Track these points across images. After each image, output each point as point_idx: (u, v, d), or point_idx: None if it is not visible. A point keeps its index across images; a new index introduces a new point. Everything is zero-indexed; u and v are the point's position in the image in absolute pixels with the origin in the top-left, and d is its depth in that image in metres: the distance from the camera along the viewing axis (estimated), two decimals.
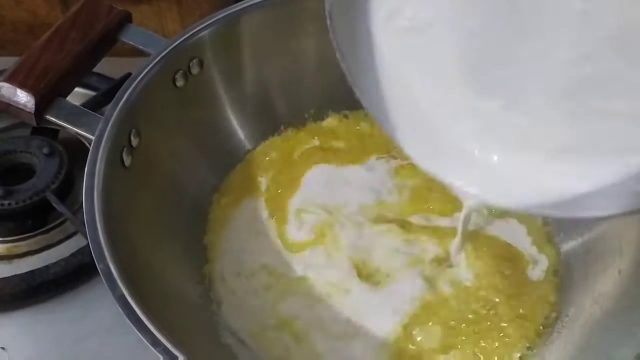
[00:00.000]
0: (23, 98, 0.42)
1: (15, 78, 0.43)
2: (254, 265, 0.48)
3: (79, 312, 0.50)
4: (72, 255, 0.52)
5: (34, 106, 0.42)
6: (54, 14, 0.68)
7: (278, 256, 0.49)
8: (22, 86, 0.42)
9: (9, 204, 0.55)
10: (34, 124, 0.43)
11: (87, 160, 0.41)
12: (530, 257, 0.49)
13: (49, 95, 0.44)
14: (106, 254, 0.36)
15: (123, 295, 0.34)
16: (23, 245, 0.54)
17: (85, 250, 0.52)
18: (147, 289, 0.38)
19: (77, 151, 0.60)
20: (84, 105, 0.53)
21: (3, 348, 0.48)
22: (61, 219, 0.55)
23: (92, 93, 0.61)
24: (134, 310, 0.34)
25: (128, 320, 0.34)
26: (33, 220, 0.56)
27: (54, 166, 0.57)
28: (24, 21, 0.69)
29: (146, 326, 0.33)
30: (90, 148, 0.41)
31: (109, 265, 0.36)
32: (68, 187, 0.58)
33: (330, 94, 0.54)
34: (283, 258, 0.49)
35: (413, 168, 0.46)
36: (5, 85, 0.42)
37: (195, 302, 0.45)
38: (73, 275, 0.51)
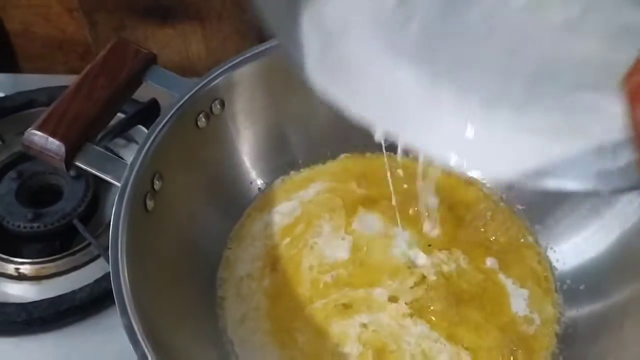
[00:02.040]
0: (54, 146, 0.45)
1: (47, 127, 0.45)
2: None
3: (103, 336, 0.53)
4: (97, 281, 0.54)
5: (64, 154, 0.45)
6: (81, 31, 0.70)
7: None
8: (54, 135, 0.45)
9: (38, 227, 0.58)
10: (64, 170, 0.45)
11: (114, 210, 0.43)
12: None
13: (78, 143, 0.46)
14: (129, 309, 0.39)
15: (144, 353, 0.37)
16: (51, 267, 0.57)
17: (108, 277, 0.53)
18: (165, 337, 0.41)
19: None
20: (111, 129, 0.55)
21: None
22: (86, 242, 0.58)
23: (119, 115, 0.63)
24: None
25: None
26: (60, 241, 0.59)
27: (80, 189, 0.60)
28: (53, 38, 0.71)
29: None
30: (116, 198, 0.43)
31: (131, 320, 0.38)
32: (93, 209, 0.61)
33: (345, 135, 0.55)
34: None
35: None
36: (38, 134, 0.45)
37: (211, 343, 0.47)
38: (98, 301, 0.53)
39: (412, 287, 0.51)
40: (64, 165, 0.45)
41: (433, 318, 0.50)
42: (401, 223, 0.55)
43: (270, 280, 0.51)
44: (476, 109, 0.32)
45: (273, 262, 0.52)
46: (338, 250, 0.53)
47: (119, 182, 0.45)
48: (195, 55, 0.69)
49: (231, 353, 0.48)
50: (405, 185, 0.58)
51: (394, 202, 0.56)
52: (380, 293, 0.51)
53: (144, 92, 0.63)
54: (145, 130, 0.49)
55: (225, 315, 0.50)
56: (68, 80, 0.51)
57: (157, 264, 0.45)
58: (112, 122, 0.61)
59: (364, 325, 0.49)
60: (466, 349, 0.48)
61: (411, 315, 0.50)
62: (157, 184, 0.47)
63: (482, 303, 0.51)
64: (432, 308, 0.50)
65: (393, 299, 0.51)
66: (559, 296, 0.52)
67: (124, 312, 0.38)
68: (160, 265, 0.46)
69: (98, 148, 0.47)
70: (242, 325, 0.49)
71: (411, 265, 0.53)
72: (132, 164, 0.45)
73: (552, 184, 0.31)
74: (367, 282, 0.51)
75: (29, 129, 0.45)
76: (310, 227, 0.54)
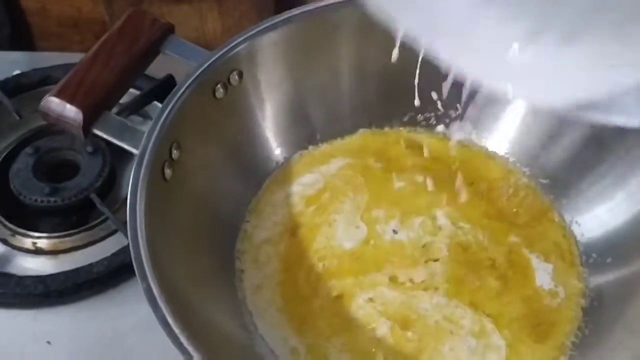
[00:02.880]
0: (71, 113, 0.44)
1: (64, 93, 0.44)
2: None
3: (120, 309, 0.52)
4: (114, 254, 0.54)
5: (81, 121, 0.44)
6: (97, 9, 0.70)
7: None
8: (71, 101, 0.44)
9: (55, 201, 0.57)
10: (81, 137, 0.45)
11: (131, 177, 0.42)
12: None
13: (95, 110, 0.45)
14: (148, 273, 0.38)
15: (164, 317, 0.36)
16: (68, 241, 0.57)
17: (126, 250, 0.53)
18: (184, 303, 0.40)
19: (119, 149, 0.61)
20: (127, 105, 0.55)
21: (48, 342, 0.51)
22: (103, 217, 0.58)
23: (134, 91, 0.62)
24: (175, 333, 0.36)
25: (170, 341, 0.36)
26: (77, 216, 0.59)
27: (97, 164, 0.60)
28: (68, 16, 0.71)
29: (185, 348, 0.35)
30: (134, 165, 0.43)
31: (150, 285, 0.38)
32: (110, 185, 0.61)
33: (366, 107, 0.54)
34: None
35: None
36: (55, 100, 0.44)
37: (230, 313, 0.47)
38: (115, 274, 0.53)
39: (426, 262, 0.51)
40: (81, 132, 0.44)
41: (450, 287, 0.49)
42: (421, 197, 0.54)
43: (287, 245, 0.51)
44: (526, 32, 0.30)
45: (294, 227, 0.52)
46: (354, 233, 0.52)
47: (136, 149, 0.44)
48: (211, 32, 0.69)
49: (250, 324, 0.47)
50: (423, 159, 0.57)
51: (417, 178, 0.55)
52: (387, 272, 0.50)
53: (159, 69, 0.63)
54: None
55: (243, 287, 0.49)
56: None
57: (176, 233, 0.45)
58: (128, 99, 0.61)
59: (371, 300, 0.48)
60: (488, 315, 0.48)
61: (425, 288, 0.49)
62: (175, 153, 0.46)
63: (505, 274, 0.50)
64: (448, 277, 0.49)
65: (394, 278, 0.50)
66: (584, 269, 0.51)
67: (143, 276, 0.38)
68: (179, 234, 0.45)
69: (116, 116, 0.46)
70: (258, 295, 0.49)
71: (428, 243, 0.52)
72: (150, 132, 0.45)
73: (599, 116, 0.30)
74: (377, 265, 0.51)
75: (47, 95, 0.44)
76: (335, 200, 0.54)
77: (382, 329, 0.47)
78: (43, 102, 0.45)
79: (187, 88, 0.48)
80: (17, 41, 0.72)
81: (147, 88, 0.62)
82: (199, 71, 0.48)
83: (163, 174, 0.45)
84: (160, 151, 0.45)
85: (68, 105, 0.44)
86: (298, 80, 0.55)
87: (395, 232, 0.52)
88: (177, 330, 0.36)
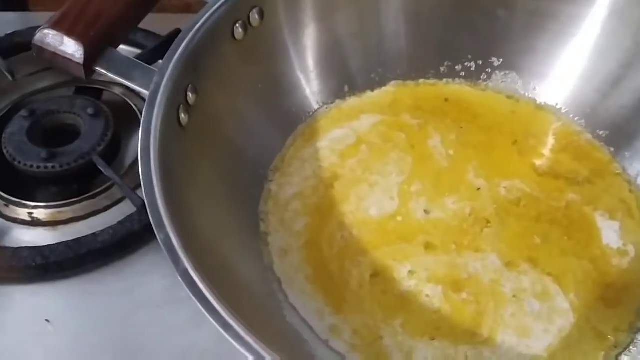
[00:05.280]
0: (71, 47, 0.38)
1: (62, 25, 0.38)
2: None
3: (127, 284, 0.47)
4: (120, 223, 0.48)
5: (82, 56, 0.38)
6: None
7: None
8: (70, 34, 0.38)
9: (53, 167, 0.51)
10: (82, 76, 0.39)
11: (142, 118, 0.36)
12: None
13: (98, 45, 0.39)
14: (166, 222, 0.32)
15: (187, 270, 0.30)
16: (68, 211, 0.51)
17: (134, 217, 0.48)
18: (207, 261, 0.34)
19: (122, 113, 0.56)
20: None
21: (47, 320, 0.45)
22: (108, 184, 0.52)
23: (136, 51, 0.57)
24: (200, 288, 0.30)
25: (194, 299, 0.29)
26: (78, 184, 0.53)
27: (99, 127, 0.54)
28: None
29: (214, 308, 0.29)
30: (145, 104, 0.37)
31: (169, 235, 0.31)
32: (114, 151, 0.55)
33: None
34: None
35: None
36: (52, 32, 0.38)
37: (256, 279, 0.41)
38: (122, 244, 0.48)
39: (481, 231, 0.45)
40: (82, 70, 0.38)
41: (504, 247, 0.43)
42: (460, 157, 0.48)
43: (319, 199, 0.46)
44: None
45: (331, 178, 0.46)
46: (391, 202, 0.47)
47: (147, 90, 0.38)
48: None
49: (278, 292, 0.41)
50: (464, 115, 0.51)
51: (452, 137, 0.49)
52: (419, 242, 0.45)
53: (165, 25, 0.57)
54: None
55: (269, 251, 0.44)
56: None
57: (194, 186, 0.39)
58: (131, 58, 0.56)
59: (411, 273, 0.43)
60: (549, 274, 0.42)
61: (476, 249, 0.43)
62: (191, 97, 0.41)
63: (567, 231, 0.44)
64: (502, 237, 0.44)
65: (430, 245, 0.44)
66: None
67: (160, 226, 0.32)
68: (198, 187, 0.39)
69: (121, 54, 0.40)
70: (284, 260, 0.43)
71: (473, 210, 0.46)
72: (162, 70, 0.39)
73: None
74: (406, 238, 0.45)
75: (42, 27, 0.38)
76: (376, 159, 0.48)
77: (435, 297, 0.41)
78: (37, 35, 0.39)
79: (202, 25, 0.42)
80: (10, 5, 0.66)
81: (152, 46, 0.56)
82: (216, 6, 0.43)
83: (178, 119, 0.39)
84: (175, 93, 0.39)
85: (66, 39, 0.38)
86: (323, 26, 0.49)
87: (427, 212, 0.46)
88: (201, 286, 0.30)
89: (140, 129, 0.36)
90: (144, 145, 0.35)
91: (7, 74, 0.56)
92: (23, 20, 0.63)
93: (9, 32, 0.60)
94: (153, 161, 0.34)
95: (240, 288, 0.38)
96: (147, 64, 0.52)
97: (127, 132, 0.56)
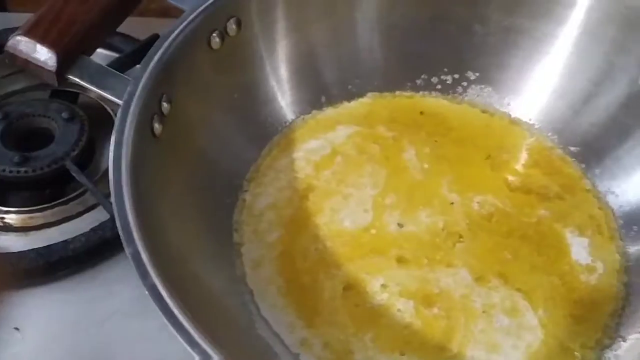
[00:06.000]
0: (43, 55, 0.38)
1: (36, 31, 0.38)
2: None
3: (98, 293, 0.46)
4: (93, 230, 0.48)
5: (55, 64, 0.38)
6: None
7: None
8: (43, 41, 0.38)
9: (25, 172, 0.51)
10: (55, 84, 0.38)
11: (115, 127, 0.36)
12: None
13: (72, 53, 0.39)
14: (135, 236, 0.32)
15: (154, 285, 0.30)
16: (39, 217, 0.50)
17: (106, 225, 0.48)
18: (177, 272, 0.34)
19: (98, 117, 0.56)
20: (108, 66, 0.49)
21: (16, 328, 0.44)
22: (81, 190, 0.51)
23: (114, 55, 0.56)
24: (166, 303, 0.29)
25: (161, 314, 0.29)
26: (51, 189, 0.52)
27: (74, 132, 0.53)
28: None
29: (180, 322, 0.29)
30: (118, 113, 0.37)
31: (138, 249, 0.31)
32: (89, 156, 0.54)
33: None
34: None
35: None
36: (24, 39, 0.38)
37: (227, 291, 0.41)
38: (93, 252, 0.47)
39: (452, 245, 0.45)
40: (55, 78, 0.38)
41: (475, 262, 0.44)
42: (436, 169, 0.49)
43: (294, 210, 0.46)
44: None
45: (306, 189, 0.46)
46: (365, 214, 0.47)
47: (120, 99, 0.38)
48: None
49: (250, 304, 0.41)
50: (439, 128, 0.52)
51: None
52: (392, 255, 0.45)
53: (143, 29, 0.57)
54: None
55: (242, 262, 0.43)
56: None
57: (166, 197, 0.39)
58: (109, 61, 0.55)
59: (384, 286, 0.43)
60: (518, 290, 0.43)
61: (447, 264, 0.44)
62: (166, 107, 0.40)
63: (537, 247, 0.45)
64: (473, 252, 0.44)
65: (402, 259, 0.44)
66: (624, 243, 0.45)
67: (129, 240, 0.31)
68: (169, 199, 0.39)
69: (95, 61, 0.40)
70: (257, 272, 0.43)
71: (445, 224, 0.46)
72: (136, 79, 0.39)
73: None
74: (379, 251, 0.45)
75: (14, 33, 0.38)
76: (351, 171, 0.48)
77: (407, 311, 0.41)
78: (10, 42, 0.38)
79: (179, 33, 0.42)
80: None
81: (129, 50, 0.56)
82: (193, 15, 0.42)
83: (152, 129, 0.39)
84: (149, 102, 0.39)
85: (39, 46, 0.38)
86: (301, 36, 0.49)
87: (400, 225, 0.46)
88: (168, 300, 0.29)
89: (112, 139, 0.35)
90: (116, 155, 0.35)
91: None
92: (1, 21, 0.62)
93: None
94: (124, 172, 0.34)
95: (211, 300, 0.38)
96: (122, 70, 0.51)
97: (102, 137, 0.56)
